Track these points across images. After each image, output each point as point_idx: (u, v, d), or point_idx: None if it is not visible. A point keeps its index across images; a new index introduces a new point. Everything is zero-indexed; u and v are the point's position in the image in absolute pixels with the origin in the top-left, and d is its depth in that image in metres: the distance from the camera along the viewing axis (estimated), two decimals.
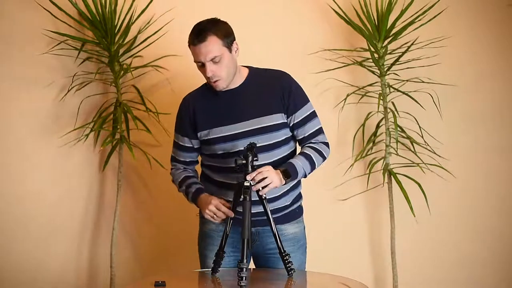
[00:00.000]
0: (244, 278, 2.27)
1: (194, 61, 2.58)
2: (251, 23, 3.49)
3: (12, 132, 3.55)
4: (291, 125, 2.64)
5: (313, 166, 2.61)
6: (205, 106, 2.65)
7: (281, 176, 2.50)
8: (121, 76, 3.47)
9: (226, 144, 2.60)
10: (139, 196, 3.62)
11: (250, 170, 2.40)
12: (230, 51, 2.56)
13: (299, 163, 2.57)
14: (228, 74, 2.57)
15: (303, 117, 2.64)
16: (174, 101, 3.49)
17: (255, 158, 2.41)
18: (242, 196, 2.38)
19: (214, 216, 2.57)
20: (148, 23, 3.48)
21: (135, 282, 2.60)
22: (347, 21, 3.41)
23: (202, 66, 2.55)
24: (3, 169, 3.54)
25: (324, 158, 2.66)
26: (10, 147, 3.54)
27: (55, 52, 3.46)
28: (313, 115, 2.67)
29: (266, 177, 2.43)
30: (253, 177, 2.41)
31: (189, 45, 2.57)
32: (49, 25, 3.48)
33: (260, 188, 2.43)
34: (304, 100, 2.66)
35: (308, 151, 2.62)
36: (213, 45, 2.50)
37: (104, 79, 3.55)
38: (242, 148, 2.53)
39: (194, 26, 2.58)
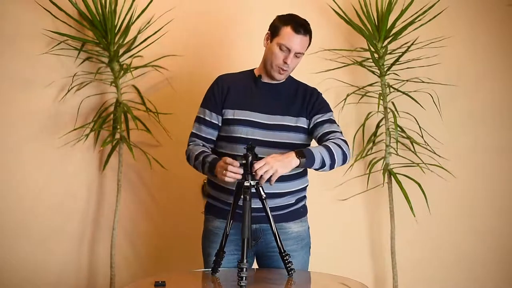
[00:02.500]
0: (244, 278, 2.27)
1: (280, 44, 2.61)
2: (251, 23, 3.49)
3: (12, 132, 3.55)
4: (310, 127, 2.68)
5: (331, 155, 2.54)
6: (239, 88, 2.71)
7: (292, 157, 2.45)
8: (121, 76, 3.47)
9: (245, 128, 2.64)
10: (139, 196, 3.62)
11: (249, 170, 2.40)
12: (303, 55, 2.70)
13: (314, 148, 2.54)
14: (292, 71, 2.71)
15: (324, 119, 2.69)
16: (174, 101, 3.51)
17: (255, 161, 2.41)
18: (242, 196, 2.38)
19: (224, 172, 2.46)
20: (148, 23, 3.48)
21: (135, 282, 2.59)
22: (347, 21, 3.41)
23: (285, 52, 2.62)
24: (3, 169, 3.54)
25: (342, 150, 2.58)
26: (10, 147, 3.54)
27: (55, 52, 3.47)
28: (334, 121, 2.72)
29: (267, 171, 2.40)
30: (255, 173, 2.39)
31: (281, 27, 2.63)
32: (49, 25, 3.48)
33: (269, 184, 2.42)
34: (328, 109, 2.74)
35: (325, 143, 2.60)
36: (306, 43, 2.66)
37: (104, 79, 3.55)
38: (258, 138, 2.59)
39: (294, 15, 2.68)
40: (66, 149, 3.55)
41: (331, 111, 2.74)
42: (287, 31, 2.62)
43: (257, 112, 2.65)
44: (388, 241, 3.45)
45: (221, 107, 2.69)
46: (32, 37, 3.50)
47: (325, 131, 2.66)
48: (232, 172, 2.44)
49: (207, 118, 2.72)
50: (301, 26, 2.63)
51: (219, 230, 2.67)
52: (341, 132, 2.68)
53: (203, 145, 2.74)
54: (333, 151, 2.55)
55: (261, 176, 2.39)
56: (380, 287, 3.57)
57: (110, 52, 3.42)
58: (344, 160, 2.60)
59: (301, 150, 2.49)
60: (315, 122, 2.68)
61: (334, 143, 2.59)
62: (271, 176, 2.40)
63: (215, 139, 2.75)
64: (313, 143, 2.71)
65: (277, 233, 2.48)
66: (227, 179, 2.45)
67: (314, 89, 2.78)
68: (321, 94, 2.78)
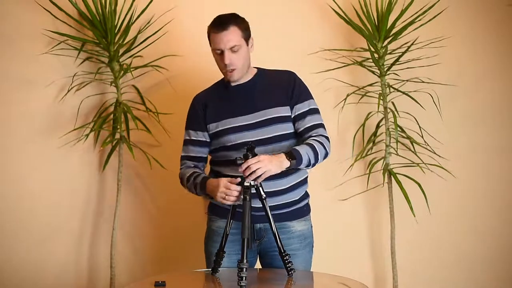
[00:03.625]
0: (244, 278, 2.27)
1: (213, 50, 2.67)
2: (251, 23, 3.47)
3: (12, 132, 3.54)
4: (292, 117, 2.69)
5: (316, 155, 2.62)
6: (215, 101, 2.75)
7: (283, 159, 2.51)
8: (121, 76, 3.47)
9: (234, 135, 2.66)
10: (139, 196, 3.62)
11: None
12: (247, 44, 2.69)
13: (301, 149, 2.59)
14: (243, 66, 2.68)
15: (304, 110, 2.70)
16: (174, 101, 3.51)
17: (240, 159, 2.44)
18: (242, 196, 2.38)
19: (226, 196, 2.53)
20: (148, 23, 3.48)
21: (135, 282, 2.60)
22: (347, 21, 3.41)
23: (220, 54, 2.64)
24: (3, 169, 3.54)
25: (325, 149, 2.67)
26: (10, 147, 3.54)
27: (55, 52, 3.46)
28: (315, 111, 2.72)
29: (257, 168, 2.43)
30: (244, 172, 2.42)
31: (209, 34, 2.68)
32: (49, 25, 3.48)
33: (258, 183, 2.45)
34: (307, 95, 2.74)
35: (309, 141, 2.65)
36: (234, 35, 2.63)
37: (104, 79, 3.55)
38: (249, 139, 2.60)
39: (216, 17, 2.70)
40: (66, 149, 3.54)
41: (311, 97, 2.74)
42: (211, 35, 2.67)
43: (238, 116, 2.67)
44: (388, 241, 3.45)
45: (204, 123, 2.73)
46: (32, 37, 3.50)
47: (306, 126, 2.69)
48: (232, 196, 2.50)
49: (193, 138, 2.77)
50: (218, 23, 2.65)
51: (222, 230, 2.67)
52: (323, 125, 2.72)
53: (194, 166, 2.78)
54: (318, 152, 2.62)
55: (253, 171, 2.41)
56: (380, 287, 3.57)
57: (110, 52, 3.42)
58: (325, 157, 2.68)
59: (291, 152, 2.54)
60: (296, 113, 2.70)
61: (318, 141, 2.64)
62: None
63: (205, 155, 2.79)
64: None
65: (277, 233, 2.48)
66: (228, 202, 2.52)
67: (290, 74, 2.76)
68: (297, 77, 2.76)
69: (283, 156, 2.53)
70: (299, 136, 2.72)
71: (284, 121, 2.68)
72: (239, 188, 2.48)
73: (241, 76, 2.71)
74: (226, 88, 2.76)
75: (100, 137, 3.56)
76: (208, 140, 2.75)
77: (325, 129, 2.73)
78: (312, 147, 2.61)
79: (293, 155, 2.54)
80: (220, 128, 2.69)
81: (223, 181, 2.54)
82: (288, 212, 2.69)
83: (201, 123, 2.75)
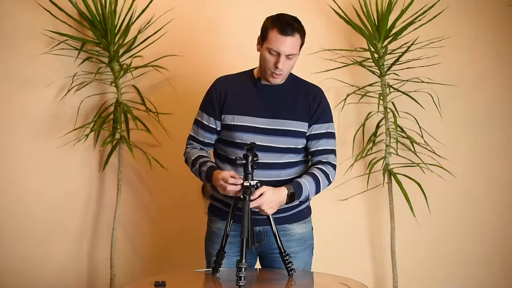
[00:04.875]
0: (242, 278, 2.27)
1: (268, 48, 2.55)
2: (251, 23, 3.47)
3: (12, 132, 3.54)
4: (307, 134, 2.65)
5: (318, 191, 2.63)
6: (237, 92, 2.66)
7: (285, 195, 2.50)
8: (121, 76, 3.47)
9: (246, 135, 2.61)
10: (139, 196, 3.62)
11: (250, 170, 2.40)
12: (298, 53, 2.61)
13: (307, 185, 2.57)
14: (289, 72, 2.63)
15: (321, 132, 2.66)
16: (174, 101, 3.51)
17: (255, 158, 2.40)
18: (241, 196, 2.38)
19: (225, 189, 2.50)
20: (148, 23, 3.48)
21: (135, 282, 2.60)
22: (347, 21, 3.41)
23: (275, 56, 2.55)
24: (3, 169, 3.54)
25: (329, 182, 2.66)
26: (10, 147, 3.54)
27: (55, 52, 3.46)
28: (331, 135, 2.68)
29: (261, 204, 2.44)
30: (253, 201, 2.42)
31: (269, 30, 2.56)
32: (49, 25, 3.48)
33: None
34: (328, 117, 2.69)
35: (315, 171, 2.62)
36: (297, 43, 2.56)
37: (104, 79, 3.55)
38: (259, 143, 2.54)
39: (281, 15, 2.59)
40: (66, 149, 3.54)
41: (331, 120, 2.70)
42: (273, 34, 2.53)
43: (257, 117, 2.61)
44: (388, 241, 3.45)
45: (220, 112, 2.66)
46: (32, 37, 3.49)
47: (319, 149, 2.66)
48: (233, 190, 2.47)
49: (205, 122, 2.70)
50: (287, 26, 2.53)
51: (222, 231, 2.66)
52: (335, 151, 2.69)
53: (201, 149, 2.74)
54: (320, 186, 2.61)
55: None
56: (380, 287, 3.57)
57: (110, 52, 3.42)
58: (326, 186, 2.67)
59: (294, 194, 2.53)
60: (312, 133, 2.65)
61: (324, 172, 2.62)
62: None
63: (213, 142, 2.74)
64: None
65: (277, 234, 2.48)
66: (228, 193, 2.49)
67: (317, 91, 2.72)
68: (324, 96, 2.71)
69: (285, 194, 2.50)
70: (309, 155, 2.69)
71: (299, 136, 2.64)
72: (235, 180, 2.46)
73: (283, 80, 2.65)
74: (254, 83, 2.66)
75: (100, 137, 3.56)
76: (219, 128, 2.68)
77: (335, 155, 2.69)
78: (317, 183, 2.60)
79: (293, 198, 2.53)
80: (236, 123, 2.62)
81: (222, 174, 2.50)
82: (288, 216, 2.68)
83: (217, 111, 2.66)
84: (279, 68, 2.55)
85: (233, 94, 2.66)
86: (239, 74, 2.74)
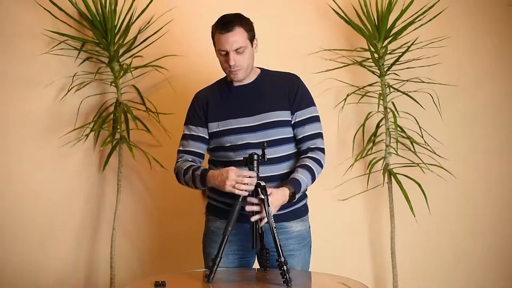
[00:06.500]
0: (213, 272, 2.39)
1: (217, 50, 2.66)
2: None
3: (12, 132, 3.55)
4: (292, 123, 2.69)
5: (313, 180, 2.68)
6: (217, 100, 2.73)
7: (287, 195, 2.54)
8: (121, 76, 3.47)
9: (233, 137, 2.66)
10: (139, 196, 3.62)
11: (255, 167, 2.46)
12: (252, 45, 2.67)
13: (305, 180, 2.62)
14: (248, 66, 2.67)
15: (305, 117, 2.69)
16: (174, 101, 3.51)
17: (260, 157, 2.46)
18: (260, 193, 2.43)
19: (236, 184, 2.49)
20: (148, 23, 3.48)
21: (135, 282, 2.59)
22: (347, 21, 3.41)
23: (225, 55, 2.64)
24: (3, 169, 3.55)
25: (322, 167, 2.71)
26: (10, 147, 3.54)
27: (55, 52, 3.47)
28: (315, 119, 2.71)
29: (271, 203, 2.48)
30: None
31: (213, 34, 2.67)
32: (49, 25, 3.48)
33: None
34: (309, 102, 2.73)
35: (311, 164, 2.65)
36: (239, 36, 2.62)
37: (104, 79, 3.55)
38: (249, 141, 2.62)
39: (221, 17, 2.68)
40: (66, 149, 3.55)
41: (312, 104, 2.73)
42: (216, 36, 2.64)
43: (239, 118, 2.66)
44: (388, 241, 3.45)
45: (205, 121, 2.72)
46: (32, 37, 3.50)
47: (305, 134, 2.69)
48: (243, 184, 2.48)
49: (193, 133, 2.74)
50: (225, 24, 2.61)
51: (221, 231, 2.66)
52: (321, 134, 2.72)
53: (192, 160, 2.75)
54: (315, 175, 2.67)
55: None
56: (380, 287, 3.57)
57: (110, 52, 3.42)
58: (320, 173, 2.71)
59: (295, 193, 2.57)
60: (296, 120, 2.69)
61: (316, 160, 2.66)
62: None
63: (203, 152, 2.77)
64: None
65: (278, 238, 2.44)
66: (237, 192, 2.48)
67: (294, 78, 2.75)
68: (301, 81, 2.74)
69: (287, 193, 2.54)
70: (297, 143, 2.72)
71: (284, 125, 2.67)
72: (254, 174, 2.47)
73: (246, 76, 2.69)
74: (228, 87, 2.74)
75: (100, 137, 3.56)
76: (207, 137, 2.74)
77: (323, 138, 2.73)
78: (312, 173, 2.64)
79: (294, 198, 2.57)
80: (221, 129, 2.69)
81: (233, 170, 2.51)
82: (286, 213, 2.68)
83: (202, 120, 2.73)
84: (232, 65, 2.62)
85: (213, 102, 2.73)
86: (214, 84, 2.82)
